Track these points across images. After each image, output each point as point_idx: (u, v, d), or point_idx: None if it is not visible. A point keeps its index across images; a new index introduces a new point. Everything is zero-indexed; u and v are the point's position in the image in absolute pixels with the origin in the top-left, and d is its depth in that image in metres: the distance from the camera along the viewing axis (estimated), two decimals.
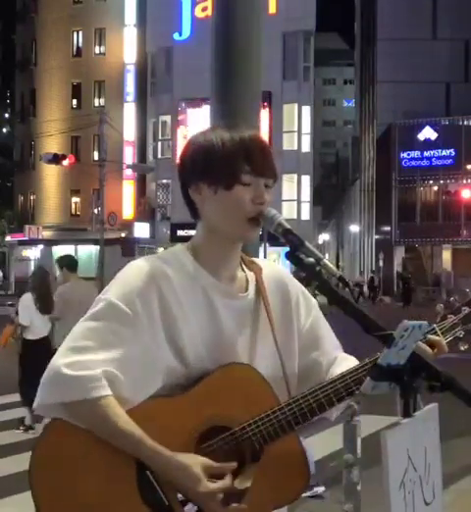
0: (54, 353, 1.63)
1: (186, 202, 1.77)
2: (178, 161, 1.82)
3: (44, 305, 8.11)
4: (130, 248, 38.45)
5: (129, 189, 42.84)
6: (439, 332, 1.77)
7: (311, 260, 1.61)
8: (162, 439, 1.56)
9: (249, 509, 1.61)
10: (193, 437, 1.61)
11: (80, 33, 44.81)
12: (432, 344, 1.73)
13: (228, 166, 1.66)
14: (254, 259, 1.86)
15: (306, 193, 41.51)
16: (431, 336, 1.75)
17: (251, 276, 1.79)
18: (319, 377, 1.79)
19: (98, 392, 1.54)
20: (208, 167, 1.68)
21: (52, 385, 1.57)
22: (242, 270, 1.80)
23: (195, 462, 1.56)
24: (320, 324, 1.88)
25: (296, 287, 1.86)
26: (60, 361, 1.57)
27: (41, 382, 1.59)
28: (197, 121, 37.14)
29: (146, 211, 43.06)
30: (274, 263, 1.97)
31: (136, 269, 1.67)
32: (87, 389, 1.53)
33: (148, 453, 1.55)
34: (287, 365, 1.76)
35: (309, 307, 1.86)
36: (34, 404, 1.61)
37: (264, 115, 34.51)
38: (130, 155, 42.10)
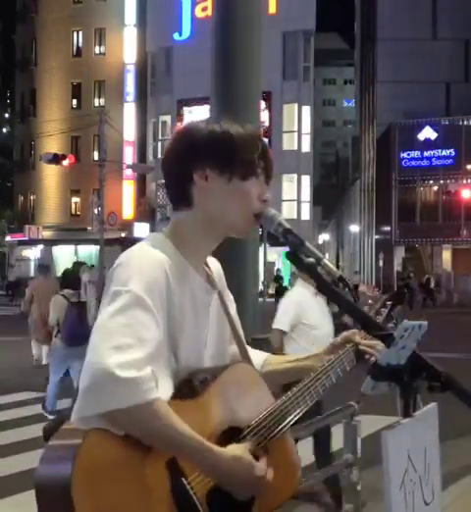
0: None
1: (178, 189, 1.71)
2: (170, 143, 1.75)
3: None
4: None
5: (129, 189, 42.83)
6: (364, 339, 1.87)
7: (311, 260, 1.62)
8: None
9: (264, 498, 1.64)
10: (212, 440, 1.59)
11: (80, 33, 44.81)
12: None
13: (248, 155, 1.67)
14: None
15: (306, 193, 41.50)
16: (366, 342, 1.83)
17: (207, 270, 1.80)
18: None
19: (155, 394, 1.46)
20: (229, 154, 1.66)
21: (106, 391, 1.43)
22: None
23: (242, 449, 1.58)
24: (237, 318, 1.92)
25: (224, 280, 1.89)
26: (108, 362, 1.43)
27: (85, 390, 1.45)
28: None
29: (146, 211, 43.05)
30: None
31: (149, 257, 1.61)
32: (146, 391, 1.44)
33: (205, 452, 1.52)
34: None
35: (232, 302, 1.90)
36: (74, 417, 1.46)
37: (264, 115, 34.52)
38: (130, 155, 42.09)
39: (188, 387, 1.61)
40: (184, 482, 1.52)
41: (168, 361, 1.60)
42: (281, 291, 33.46)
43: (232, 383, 1.66)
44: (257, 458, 1.61)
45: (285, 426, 1.67)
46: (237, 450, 1.56)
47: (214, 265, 1.85)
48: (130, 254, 1.63)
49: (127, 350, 1.45)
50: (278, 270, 34.03)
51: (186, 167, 1.68)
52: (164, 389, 1.54)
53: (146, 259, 1.60)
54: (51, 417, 8.30)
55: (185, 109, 40.51)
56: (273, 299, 23.67)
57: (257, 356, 1.93)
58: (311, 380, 1.75)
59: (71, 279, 8.87)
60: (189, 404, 1.58)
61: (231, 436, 1.62)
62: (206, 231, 1.70)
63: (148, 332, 1.50)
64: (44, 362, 12.09)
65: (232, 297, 1.90)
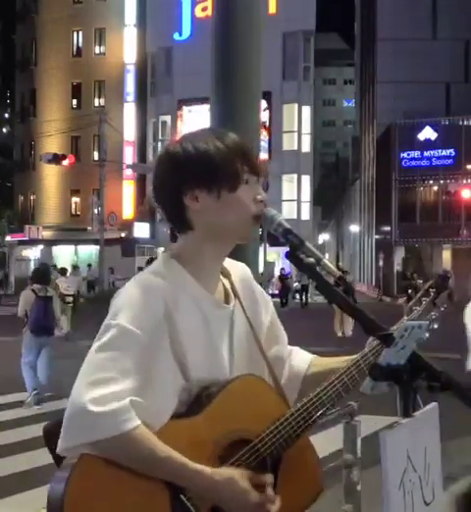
0: None
1: (173, 215, 1.71)
2: (153, 171, 1.75)
3: None
4: (130, 248, 38.45)
5: (129, 189, 42.85)
6: (416, 315, 1.84)
7: (311, 260, 1.62)
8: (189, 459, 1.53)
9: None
10: (216, 455, 1.59)
11: (80, 33, 44.82)
12: None
13: (230, 168, 1.66)
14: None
15: (306, 193, 41.51)
16: None
17: (227, 282, 1.80)
18: (281, 370, 1.85)
19: (131, 424, 1.47)
20: (209, 172, 1.66)
21: (79, 426, 1.47)
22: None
23: (240, 475, 1.55)
24: (276, 319, 1.91)
25: (256, 285, 1.89)
26: (83, 398, 1.47)
27: (64, 423, 1.50)
28: (197, 120, 37.15)
29: (146, 211, 43.05)
30: (236, 262, 1.91)
31: (145, 290, 1.61)
32: (120, 423, 1.46)
33: (191, 475, 1.51)
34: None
35: (267, 304, 1.89)
36: (59, 449, 1.51)
37: (264, 115, 34.52)
38: (130, 155, 42.10)
39: (197, 404, 1.62)
40: (184, 498, 1.53)
41: (175, 383, 1.61)
42: (285, 291, 33.55)
43: (238, 394, 1.65)
44: (265, 468, 1.59)
45: (298, 434, 1.66)
46: (231, 473, 1.54)
47: (236, 270, 1.85)
48: (128, 284, 1.64)
49: (104, 384, 1.48)
50: (282, 269, 33.99)
51: (175, 193, 1.68)
52: (164, 413, 1.56)
53: (141, 289, 1.61)
54: (35, 392, 9.32)
55: (185, 109, 40.54)
56: (273, 299, 23.62)
57: (303, 358, 1.91)
58: (330, 384, 1.72)
59: (40, 276, 10.03)
60: (187, 423, 1.59)
61: (240, 448, 1.61)
62: (212, 249, 1.71)
63: (134, 364, 1.52)
64: None
65: (267, 298, 1.90)
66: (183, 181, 1.67)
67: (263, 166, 1.76)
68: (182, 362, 1.62)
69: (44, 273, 10.29)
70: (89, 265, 37.58)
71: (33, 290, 9.71)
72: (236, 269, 1.85)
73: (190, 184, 1.67)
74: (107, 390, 1.48)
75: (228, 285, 1.79)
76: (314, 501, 1.71)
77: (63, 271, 19.30)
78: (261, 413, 1.65)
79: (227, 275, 1.81)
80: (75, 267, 25.29)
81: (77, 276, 23.11)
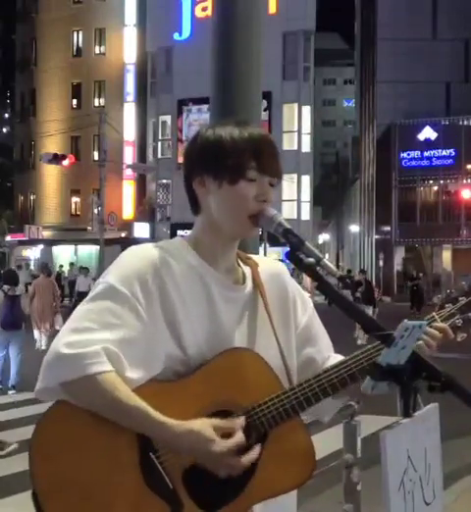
0: None
1: (189, 196, 1.77)
2: (182, 155, 1.83)
3: None
4: None
5: (129, 189, 42.83)
6: (438, 321, 1.78)
7: (311, 260, 1.61)
8: None
9: (258, 484, 1.61)
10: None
11: (80, 33, 44.80)
12: (438, 330, 1.75)
13: (234, 160, 1.66)
14: (251, 255, 1.86)
15: (306, 193, 41.50)
16: (435, 324, 1.77)
17: (248, 270, 1.80)
18: (311, 372, 1.79)
19: (99, 367, 1.52)
20: (215, 160, 1.68)
21: (52, 367, 1.55)
22: (238, 265, 1.81)
23: (205, 424, 1.54)
24: (315, 322, 1.90)
25: (293, 284, 1.88)
26: (60, 342, 1.55)
27: (42, 365, 1.57)
28: (197, 121, 37.17)
29: (146, 211, 43.06)
30: (272, 259, 1.97)
31: (136, 253, 1.68)
32: (86, 365, 1.52)
33: (155, 425, 1.53)
34: (286, 357, 1.77)
35: (305, 305, 1.88)
36: (35, 389, 1.59)
37: (264, 115, 34.49)
38: (130, 155, 42.09)
39: (177, 373, 1.63)
40: (153, 456, 1.55)
41: (166, 347, 1.62)
42: None
43: (229, 367, 1.64)
44: (248, 439, 1.58)
45: (289, 413, 1.64)
46: (196, 424, 1.54)
47: (268, 264, 1.86)
48: (124, 252, 1.71)
49: (82, 332, 1.55)
50: None
51: (189, 175, 1.74)
52: (142, 372, 1.58)
53: (132, 255, 1.68)
54: None
55: (185, 109, 40.52)
56: None
57: (333, 357, 1.86)
58: (334, 368, 1.69)
59: (9, 277, 11.37)
60: (173, 386, 1.60)
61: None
62: (214, 234, 1.73)
63: (116, 318, 1.57)
64: (43, 347, 14.38)
65: (307, 300, 1.88)
66: (194, 164, 1.73)
67: (278, 168, 1.72)
68: (176, 331, 1.63)
69: (12, 275, 11.72)
70: (72, 264, 37.68)
71: (3, 290, 10.91)
72: (269, 263, 1.88)
73: (199, 169, 1.71)
74: (82, 337, 1.54)
75: (248, 273, 1.80)
76: (306, 481, 1.68)
77: (85, 270, 23.76)
78: (252, 388, 1.64)
79: (252, 264, 1.81)
80: (83, 268, 25.73)
81: (87, 276, 23.79)
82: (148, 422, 1.52)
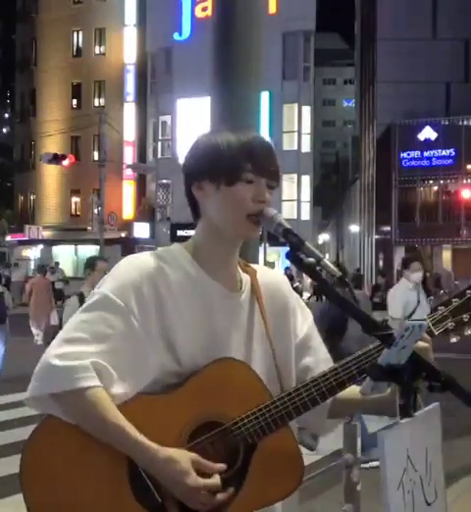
0: None
1: (189, 201, 1.78)
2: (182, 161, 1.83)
3: None
4: (130, 248, 38.36)
5: (129, 189, 42.83)
6: (429, 324, 1.75)
7: (311, 260, 1.61)
8: (153, 436, 1.55)
9: (248, 495, 1.60)
10: (185, 434, 1.60)
11: (80, 33, 44.80)
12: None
13: (230, 162, 1.67)
14: (250, 264, 1.87)
15: (306, 193, 41.49)
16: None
17: (246, 277, 1.80)
18: None
19: (86, 382, 1.53)
20: (212, 164, 1.69)
21: (41, 377, 1.57)
22: (238, 272, 1.81)
23: (184, 456, 1.54)
24: (314, 333, 1.90)
25: (293, 294, 1.89)
26: (51, 352, 1.57)
27: (33, 374, 1.59)
28: (197, 121, 37.15)
29: (146, 211, 43.04)
30: (270, 268, 1.98)
31: (132, 263, 1.68)
32: (75, 379, 1.52)
33: (135, 446, 1.53)
34: (281, 367, 1.76)
35: (305, 315, 1.89)
36: (25, 398, 1.60)
37: (264, 115, 34.49)
38: (130, 155, 42.09)
39: (171, 385, 1.63)
40: (141, 470, 1.55)
41: (159, 358, 1.62)
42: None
43: (218, 378, 1.64)
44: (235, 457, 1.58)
45: (278, 424, 1.63)
46: (176, 454, 1.54)
47: (266, 274, 1.86)
48: (120, 261, 1.72)
49: (74, 343, 1.56)
50: (287, 268, 33.90)
51: (188, 179, 1.76)
52: (132, 385, 1.58)
53: (128, 265, 1.68)
54: None
55: (185, 109, 40.52)
56: None
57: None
58: (321, 377, 1.68)
59: None
60: (161, 399, 1.60)
61: (212, 430, 1.61)
62: (214, 239, 1.73)
63: (109, 329, 1.58)
64: (40, 342, 15.11)
65: (307, 310, 1.89)
66: (193, 169, 1.74)
67: (275, 170, 1.72)
68: (170, 341, 1.63)
69: None
70: (57, 263, 37.60)
71: None
72: (269, 273, 1.88)
73: (198, 173, 1.72)
74: (73, 349, 1.56)
75: (246, 279, 1.80)
76: (296, 489, 1.68)
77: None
78: (241, 399, 1.63)
79: (251, 272, 1.82)
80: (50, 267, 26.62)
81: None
82: (129, 442, 1.53)
